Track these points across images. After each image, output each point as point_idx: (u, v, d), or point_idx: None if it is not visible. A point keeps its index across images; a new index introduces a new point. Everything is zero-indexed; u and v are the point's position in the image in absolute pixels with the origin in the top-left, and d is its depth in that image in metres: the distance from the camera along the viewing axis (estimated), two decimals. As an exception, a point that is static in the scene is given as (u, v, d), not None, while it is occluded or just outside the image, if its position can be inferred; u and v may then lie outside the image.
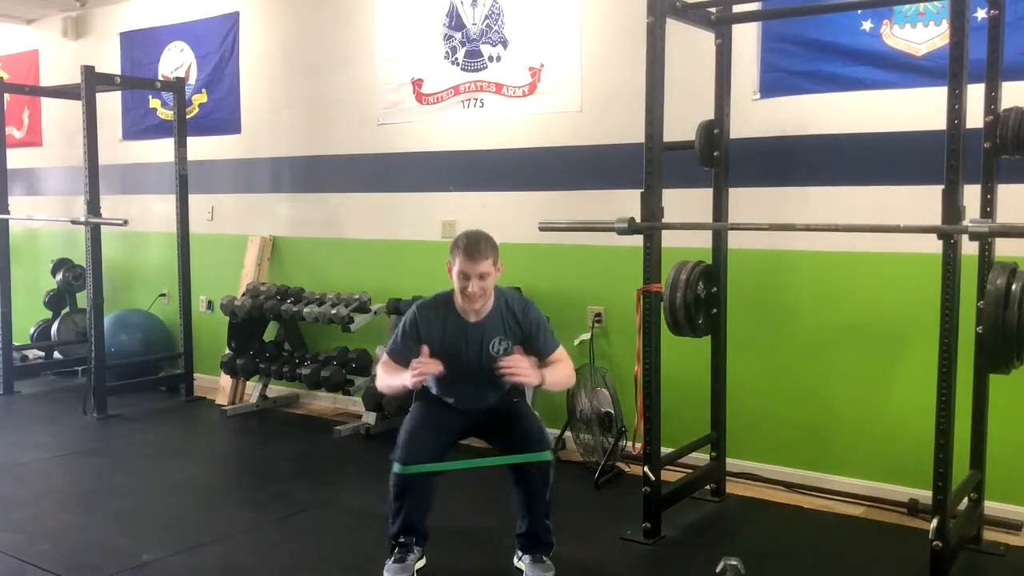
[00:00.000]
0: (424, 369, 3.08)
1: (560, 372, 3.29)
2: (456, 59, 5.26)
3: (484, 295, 3.15)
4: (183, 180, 6.13)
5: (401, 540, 3.22)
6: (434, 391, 3.34)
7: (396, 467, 3.18)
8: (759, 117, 4.23)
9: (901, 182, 3.87)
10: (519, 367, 3.10)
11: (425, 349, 3.13)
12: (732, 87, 3.98)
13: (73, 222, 5.85)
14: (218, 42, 6.41)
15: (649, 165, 3.49)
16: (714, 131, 3.92)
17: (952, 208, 2.97)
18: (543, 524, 3.23)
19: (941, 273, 3.03)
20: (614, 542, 3.60)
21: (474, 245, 3.12)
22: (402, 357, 3.21)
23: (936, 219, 3.00)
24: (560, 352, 3.33)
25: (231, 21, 6.34)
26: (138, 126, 6.98)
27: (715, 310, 3.94)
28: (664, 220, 3.53)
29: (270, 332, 6.03)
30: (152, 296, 6.88)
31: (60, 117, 7.42)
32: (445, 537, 3.48)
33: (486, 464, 3.30)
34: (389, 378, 3.23)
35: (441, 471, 3.21)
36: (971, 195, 3.12)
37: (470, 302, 3.14)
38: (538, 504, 3.20)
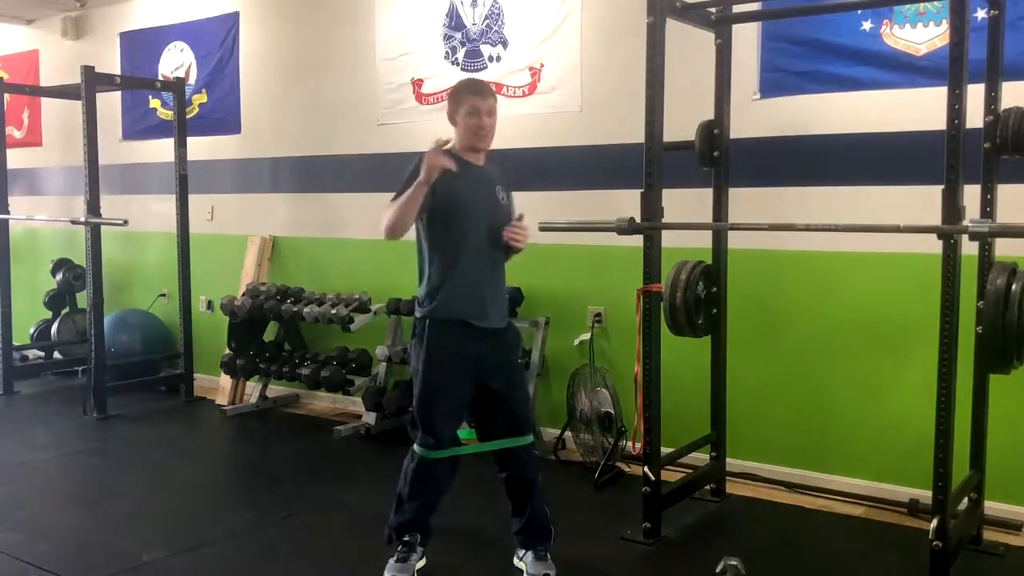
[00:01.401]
0: (439, 161, 2.93)
1: None
2: (456, 59, 5.26)
3: (491, 134, 3.19)
4: (183, 180, 6.13)
5: (406, 539, 3.21)
6: (444, 279, 3.11)
7: (421, 452, 3.15)
8: (759, 117, 4.23)
9: (901, 182, 3.87)
10: (526, 234, 3.17)
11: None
12: (732, 87, 3.98)
13: (73, 222, 5.85)
14: (218, 42, 6.41)
15: (649, 165, 3.49)
16: (714, 131, 3.93)
17: (952, 208, 2.97)
18: (541, 508, 3.23)
19: (941, 273, 3.03)
20: (614, 542, 3.60)
21: (479, 84, 3.29)
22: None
23: (936, 219, 3.00)
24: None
25: (231, 21, 6.35)
26: (138, 126, 6.98)
27: (715, 310, 3.94)
28: (664, 220, 3.54)
29: (270, 332, 6.03)
30: (152, 296, 6.88)
31: (60, 117, 7.42)
32: (445, 537, 3.46)
33: (484, 449, 3.25)
34: (396, 203, 3.02)
35: (462, 454, 3.22)
36: (971, 195, 3.12)
37: (481, 140, 3.16)
38: (533, 486, 3.21)
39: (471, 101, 3.14)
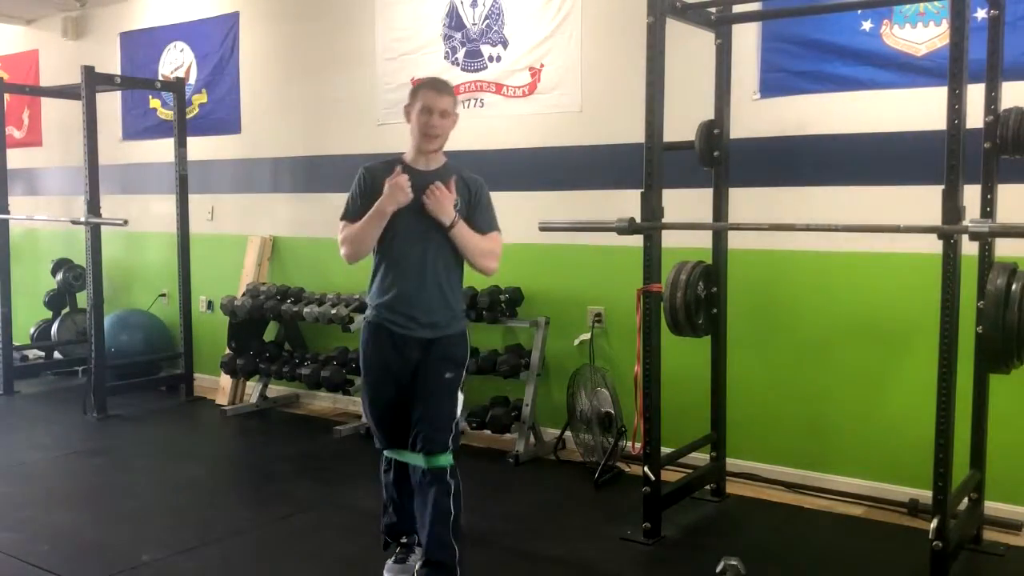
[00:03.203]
0: (400, 183, 2.93)
1: (480, 240, 3.08)
2: (456, 59, 5.26)
3: (442, 136, 3.06)
4: (183, 180, 6.13)
5: (403, 540, 3.21)
6: (377, 285, 3.10)
7: (385, 452, 3.17)
8: (759, 117, 4.23)
9: (901, 182, 3.87)
10: (443, 196, 2.97)
11: (399, 169, 3.00)
12: (732, 87, 3.98)
13: (73, 222, 5.85)
14: (218, 42, 6.42)
15: (649, 165, 3.49)
16: (714, 131, 3.93)
17: (952, 208, 2.97)
18: (441, 541, 2.94)
19: (941, 273, 3.03)
20: (614, 542, 3.60)
21: (438, 82, 3.15)
22: (363, 213, 3.04)
23: (936, 219, 3.00)
24: (494, 235, 3.14)
25: (231, 21, 6.35)
26: (138, 126, 6.99)
27: (715, 310, 3.94)
28: (664, 220, 3.54)
29: (270, 332, 6.03)
30: (152, 296, 6.88)
31: (60, 117, 7.42)
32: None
33: (400, 458, 3.17)
34: (353, 232, 3.05)
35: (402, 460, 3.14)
36: (971, 195, 3.12)
37: (428, 140, 3.02)
38: (436, 513, 2.93)
39: (425, 97, 3.01)
